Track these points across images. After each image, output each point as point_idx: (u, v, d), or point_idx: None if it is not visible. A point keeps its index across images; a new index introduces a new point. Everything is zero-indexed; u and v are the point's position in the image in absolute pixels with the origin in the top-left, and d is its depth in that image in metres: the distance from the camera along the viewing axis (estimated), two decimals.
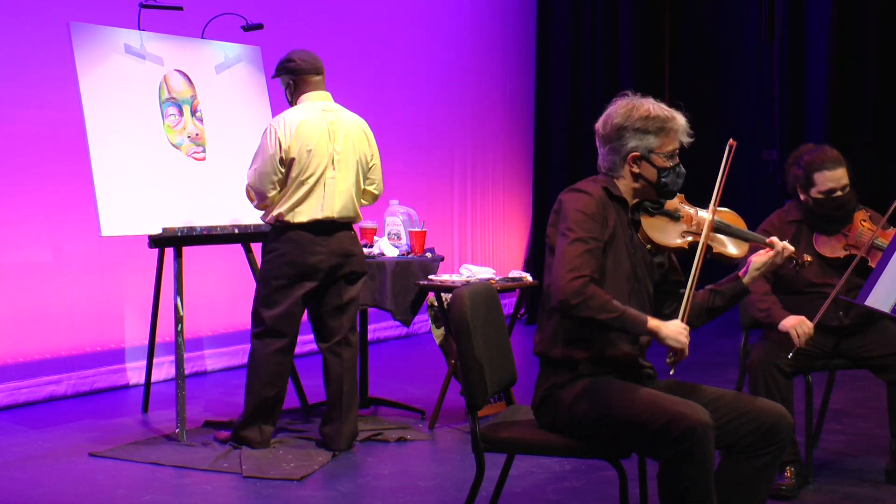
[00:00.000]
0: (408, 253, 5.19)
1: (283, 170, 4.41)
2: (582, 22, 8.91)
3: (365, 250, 5.18)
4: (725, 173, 3.07)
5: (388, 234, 5.39)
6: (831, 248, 4.07)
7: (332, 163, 4.48)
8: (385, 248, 5.20)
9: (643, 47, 9.28)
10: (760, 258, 3.07)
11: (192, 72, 5.10)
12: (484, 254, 8.66)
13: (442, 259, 5.23)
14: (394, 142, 7.80)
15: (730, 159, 3.06)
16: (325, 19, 7.25)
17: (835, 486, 4.01)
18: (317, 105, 4.53)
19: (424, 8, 8.16)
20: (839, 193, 4.02)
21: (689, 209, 3.14)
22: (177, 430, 4.71)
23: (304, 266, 4.44)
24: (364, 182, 4.64)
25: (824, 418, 4.65)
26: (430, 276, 5.03)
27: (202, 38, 5.23)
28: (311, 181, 4.43)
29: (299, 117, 4.44)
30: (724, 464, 2.98)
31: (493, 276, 5.06)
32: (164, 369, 5.94)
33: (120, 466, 4.34)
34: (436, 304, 5.17)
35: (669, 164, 3.03)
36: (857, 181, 4.14)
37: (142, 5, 4.98)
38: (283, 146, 4.38)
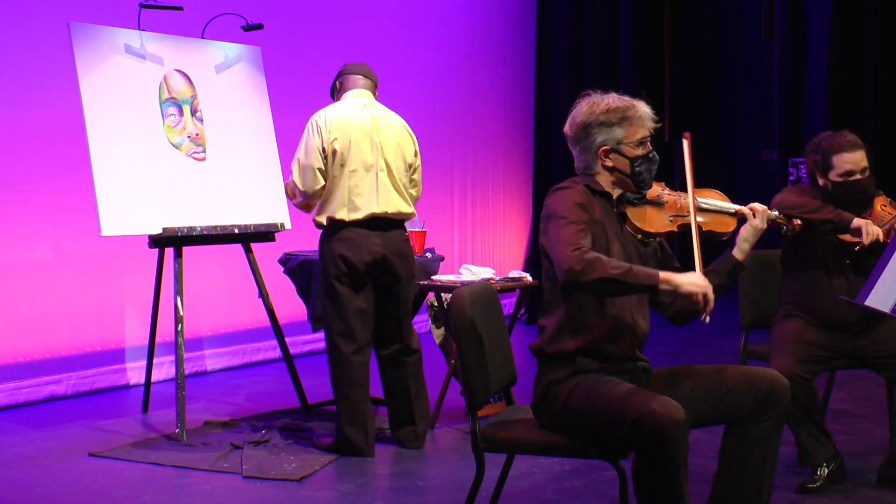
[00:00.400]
0: None
1: (324, 162, 4.35)
2: (582, 22, 8.92)
3: None
4: (690, 164, 3.12)
5: None
6: (853, 232, 4.04)
7: (382, 157, 4.43)
8: None
9: (643, 47, 9.28)
10: (745, 229, 3.13)
11: (192, 72, 5.10)
12: (484, 254, 8.66)
13: (442, 259, 5.22)
14: None
15: (690, 156, 3.13)
16: (325, 19, 7.25)
17: (835, 485, 4.01)
18: (358, 101, 4.51)
19: (424, 8, 8.17)
20: (858, 176, 3.98)
21: (670, 194, 3.19)
22: (177, 430, 4.71)
23: (359, 263, 4.36)
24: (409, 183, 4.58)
25: (824, 418, 4.64)
26: (431, 276, 5.03)
27: (202, 38, 5.23)
28: (359, 175, 4.37)
29: (340, 110, 4.43)
30: (729, 435, 3.03)
31: (493, 276, 5.06)
32: (164, 369, 5.94)
33: (120, 466, 4.34)
34: (436, 304, 5.17)
35: (640, 152, 3.07)
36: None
37: (142, 5, 4.99)
38: (325, 137, 4.35)
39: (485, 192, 8.72)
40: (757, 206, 3.17)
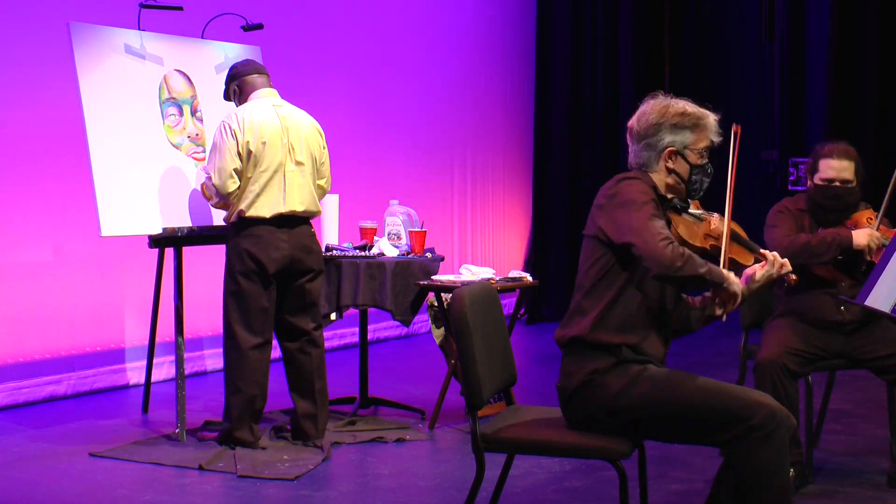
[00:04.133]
0: (408, 253, 5.19)
1: (240, 163, 4.41)
2: (582, 22, 8.91)
3: (364, 251, 5.19)
4: (734, 164, 3.14)
5: (388, 234, 5.39)
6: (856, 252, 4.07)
7: (290, 156, 4.51)
8: (385, 248, 5.20)
9: (643, 47, 9.28)
10: (760, 271, 3.10)
11: (192, 72, 5.10)
12: (484, 254, 8.66)
13: (442, 259, 5.22)
14: (394, 142, 7.81)
15: (737, 147, 3.13)
16: (325, 20, 7.25)
17: (835, 486, 4.01)
18: (266, 101, 4.56)
19: (424, 8, 8.16)
20: (837, 184, 4.05)
21: (706, 214, 3.22)
22: (177, 430, 4.71)
23: (267, 261, 4.44)
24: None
25: (824, 418, 4.65)
26: (431, 276, 5.02)
27: (202, 38, 5.23)
28: (268, 174, 4.45)
29: (251, 112, 4.48)
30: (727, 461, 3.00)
31: (493, 276, 5.06)
32: (164, 369, 5.94)
33: (120, 466, 4.34)
34: (436, 304, 5.17)
35: (701, 161, 3.12)
36: (864, 186, 4.14)
37: (142, 5, 4.98)
38: (240, 139, 4.40)
39: (485, 192, 8.72)
40: (776, 255, 3.13)
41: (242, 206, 4.44)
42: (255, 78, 4.62)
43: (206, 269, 6.14)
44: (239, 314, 4.47)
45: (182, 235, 4.77)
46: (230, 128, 4.43)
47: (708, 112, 3.16)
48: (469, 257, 8.40)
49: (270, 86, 4.64)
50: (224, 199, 4.46)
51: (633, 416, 2.97)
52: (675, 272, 2.90)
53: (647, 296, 3.05)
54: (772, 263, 3.09)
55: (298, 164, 4.53)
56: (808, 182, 4.15)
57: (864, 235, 3.95)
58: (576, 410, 3.06)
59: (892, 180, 3.94)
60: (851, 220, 4.10)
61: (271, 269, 4.45)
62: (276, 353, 4.66)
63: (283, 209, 4.47)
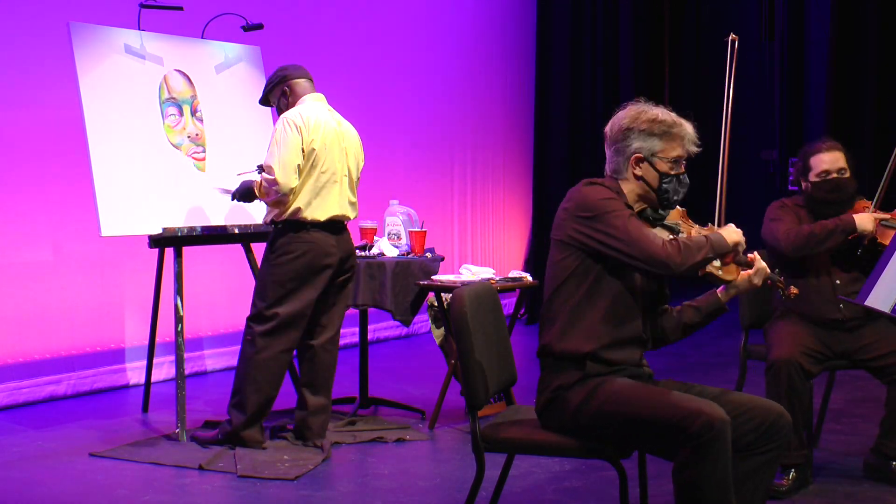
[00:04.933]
0: (408, 253, 5.19)
1: (303, 160, 4.37)
2: (582, 22, 8.91)
3: (364, 251, 5.19)
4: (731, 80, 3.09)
5: (388, 234, 5.39)
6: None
7: (345, 161, 4.52)
8: (385, 248, 5.20)
9: (643, 47, 9.28)
10: (742, 280, 3.08)
11: (192, 72, 5.10)
12: (484, 254, 8.66)
13: (442, 259, 5.22)
14: (394, 142, 7.81)
15: (734, 56, 3.10)
16: (325, 19, 7.25)
17: (835, 486, 4.01)
18: (321, 105, 4.56)
19: (425, 8, 8.16)
20: (834, 175, 4.08)
21: (688, 225, 3.15)
22: (177, 430, 4.71)
23: (321, 267, 4.43)
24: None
25: (824, 418, 4.65)
26: (431, 276, 5.03)
27: (202, 38, 5.23)
28: (327, 176, 4.44)
29: (313, 112, 4.46)
30: None
31: (493, 276, 5.06)
32: (164, 369, 5.94)
33: (120, 466, 4.34)
34: (436, 304, 5.17)
35: (673, 170, 3.04)
36: (857, 176, 4.16)
37: (142, 5, 4.98)
38: (304, 136, 4.37)
39: (485, 192, 8.72)
40: (757, 256, 3.12)
41: (299, 205, 4.39)
42: (306, 82, 4.60)
43: (206, 269, 6.15)
44: (282, 315, 4.42)
45: (182, 235, 4.77)
46: (295, 124, 4.38)
47: (684, 121, 3.08)
48: (469, 257, 8.40)
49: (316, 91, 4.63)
50: (283, 196, 4.37)
51: (594, 431, 2.95)
52: (679, 267, 2.89)
53: (615, 299, 3.00)
54: (755, 269, 3.06)
55: (350, 171, 4.55)
56: (803, 184, 4.16)
57: (867, 219, 3.98)
58: (547, 424, 3.06)
59: (889, 166, 3.96)
60: (852, 210, 4.11)
61: (321, 274, 4.45)
62: None
63: (337, 212, 4.47)
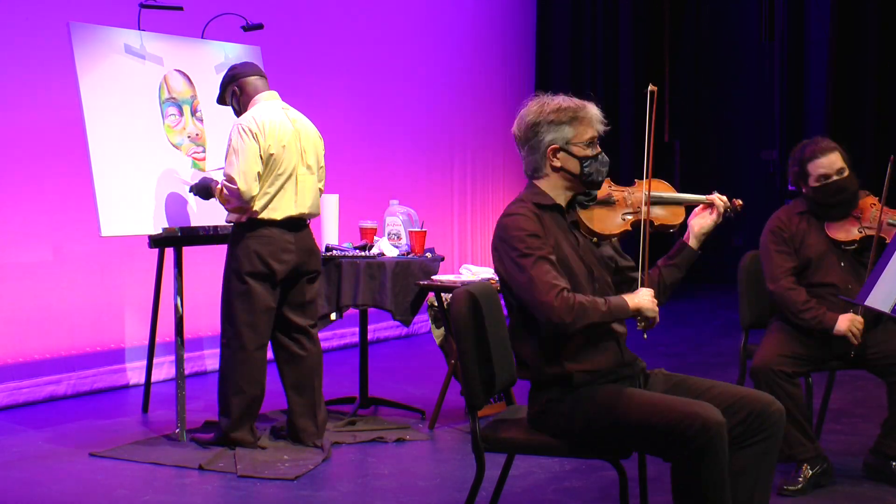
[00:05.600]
0: (408, 253, 5.19)
1: (262, 167, 4.38)
2: (582, 22, 8.92)
3: (364, 251, 5.19)
4: (652, 128, 3.07)
5: (388, 234, 5.39)
6: (846, 232, 4.07)
7: (302, 159, 4.52)
8: (385, 248, 5.20)
9: (643, 47, 9.28)
10: (703, 220, 3.13)
11: (192, 72, 5.10)
12: (484, 254, 8.66)
13: (442, 259, 5.22)
14: (394, 142, 7.81)
15: (654, 109, 3.09)
16: (325, 19, 7.25)
17: (835, 486, 4.01)
18: (275, 104, 4.55)
19: (425, 8, 8.16)
20: (835, 178, 4.04)
21: (618, 191, 3.16)
22: (177, 430, 4.71)
23: (277, 263, 4.44)
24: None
25: (824, 418, 4.65)
26: (431, 276, 5.02)
27: (202, 38, 5.23)
28: (284, 178, 4.45)
29: (267, 115, 4.45)
30: None
31: (493, 276, 5.06)
32: (164, 369, 5.94)
33: (120, 466, 4.34)
34: (436, 304, 5.17)
35: (590, 152, 3.05)
36: (857, 172, 4.15)
37: (142, 5, 4.98)
38: (261, 143, 4.38)
39: (485, 192, 8.73)
40: (716, 196, 3.14)
41: (257, 207, 4.41)
42: (257, 80, 4.59)
43: (206, 269, 6.14)
44: (246, 315, 4.45)
45: (182, 235, 4.77)
46: (251, 131, 4.39)
47: (586, 103, 3.08)
48: (469, 257, 8.40)
49: (270, 88, 4.63)
50: (245, 203, 4.39)
51: (587, 437, 2.94)
52: (567, 327, 2.85)
53: None
54: (716, 207, 3.09)
55: (308, 167, 4.55)
56: (804, 189, 4.12)
57: (845, 321, 3.93)
58: (542, 432, 3.04)
59: (890, 164, 3.94)
60: (858, 209, 4.09)
61: (280, 272, 4.45)
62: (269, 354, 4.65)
63: (293, 212, 4.48)
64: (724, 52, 10.33)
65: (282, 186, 4.44)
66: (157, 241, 4.76)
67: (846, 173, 4.06)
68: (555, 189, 3.07)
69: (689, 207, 3.18)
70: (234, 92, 4.59)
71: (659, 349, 6.92)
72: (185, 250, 4.94)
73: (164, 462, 4.36)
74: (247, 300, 4.45)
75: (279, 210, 4.45)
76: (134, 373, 5.89)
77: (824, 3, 8.66)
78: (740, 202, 3.16)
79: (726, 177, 10.13)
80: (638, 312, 2.94)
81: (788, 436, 3.87)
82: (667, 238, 3.19)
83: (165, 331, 5.79)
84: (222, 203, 4.49)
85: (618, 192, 3.15)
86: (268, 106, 4.51)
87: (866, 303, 3.65)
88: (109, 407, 5.44)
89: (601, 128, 3.09)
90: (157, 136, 4.90)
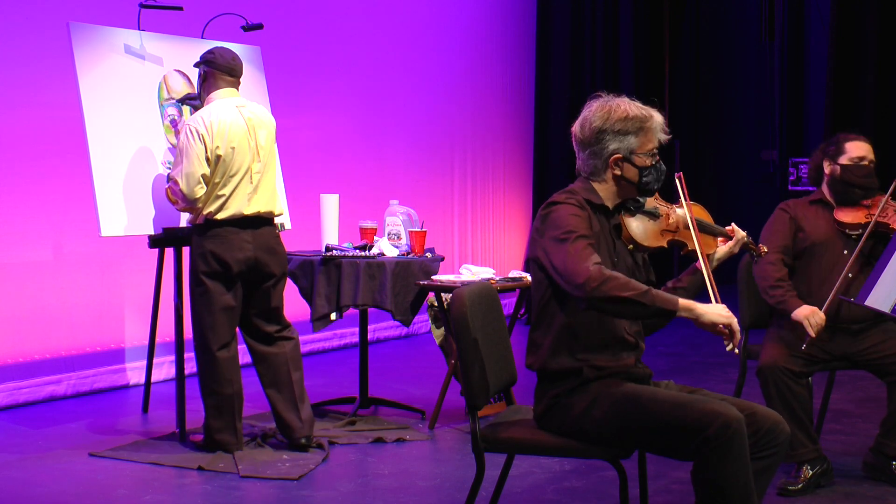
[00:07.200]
0: (408, 253, 5.19)
1: (208, 169, 4.35)
2: (582, 22, 8.92)
3: (364, 251, 5.18)
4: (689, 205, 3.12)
5: (388, 234, 5.39)
6: (853, 216, 4.12)
7: (256, 157, 4.49)
8: (385, 248, 5.20)
9: (643, 47, 9.28)
10: (721, 250, 3.15)
11: (191, 72, 5.09)
12: (484, 254, 8.66)
13: (442, 259, 5.22)
14: (394, 142, 7.81)
15: (685, 192, 3.11)
16: (325, 19, 7.25)
17: (835, 486, 4.01)
18: (229, 102, 4.49)
19: (425, 8, 8.16)
20: (867, 162, 4.16)
21: (664, 206, 3.17)
22: (177, 430, 4.71)
23: (232, 261, 4.40)
24: None
25: (824, 418, 4.65)
26: (431, 276, 5.02)
27: (202, 38, 5.23)
28: (237, 178, 4.42)
29: (217, 115, 4.41)
30: None
31: (493, 276, 5.06)
32: (164, 369, 5.94)
33: (120, 466, 4.34)
34: (436, 304, 5.17)
35: (650, 162, 3.03)
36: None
37: (142, 5, 4.98)
38: (208, 144, 4.35)
39: (485, 193, 8.72)
40: (735, 227, 3.16)
41: (210, 208, 4.39)
42: (226, 77, 4.52)
43: None
44: (207, 316, 4.43)
45: (182, 235, 4.77)
46: (197, 132, 4.35)
47: (652, 112, 3.05)
48: (469, 257, 8.40)
49: (237, 88, 4.56)
50: (191, 205, 4.39)
51: (599, 435, 2.93)
52: (593, 292, 2.78)
53: (599, 317, 2.95)
54: (735, 240, 3.12)
55: (264, 164, 4.52)
56: (828, 168, 4.17)
57: (805, 310, 3.95)
58: (548, 430, 3.04)
59: None
60: (870, 199, 4.14)
61: (235, 269, 4.41)
62: (246, 357, 4.63)
63: (247, 210, 4.44)
64: (724, 52, 10.33)
65: (235, 187, 4.41)
66: (157, 241, 4.76)
67: (874, 167, 4.19)
68: (608, 192, 3.07)
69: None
70: (202, 75, 4.55)
71: (659, 349, 6.92)
72: (185, 250, 4.93)
73: (164, 462, 4.36)
74: (205, 300, 4.42)
75: (232, 209, 4.41)
76: (134, 373, 5.89)
77: (824, 3, 8.66)
78: (765, 248, 3.19)
79: (726, 177, 10.13)
80: (691, 314, 2.83)
81: (791, 436, 3.87)
82: (663, 258, 3.20)
83: (165, 331, 5.79)
84: (172, 203, 4.50)
85: (664, 208, 3.15)
86: (221, 105, 4.45)
87: (866, 303, 3.65)
88: (109, 407, 5.44)
89: (664, 137, 3.07)
90: (156, 137, 4.90)
